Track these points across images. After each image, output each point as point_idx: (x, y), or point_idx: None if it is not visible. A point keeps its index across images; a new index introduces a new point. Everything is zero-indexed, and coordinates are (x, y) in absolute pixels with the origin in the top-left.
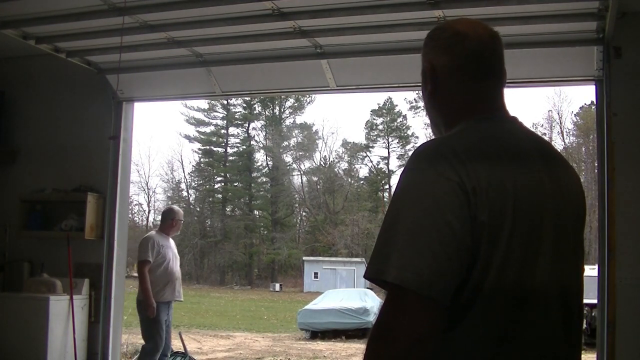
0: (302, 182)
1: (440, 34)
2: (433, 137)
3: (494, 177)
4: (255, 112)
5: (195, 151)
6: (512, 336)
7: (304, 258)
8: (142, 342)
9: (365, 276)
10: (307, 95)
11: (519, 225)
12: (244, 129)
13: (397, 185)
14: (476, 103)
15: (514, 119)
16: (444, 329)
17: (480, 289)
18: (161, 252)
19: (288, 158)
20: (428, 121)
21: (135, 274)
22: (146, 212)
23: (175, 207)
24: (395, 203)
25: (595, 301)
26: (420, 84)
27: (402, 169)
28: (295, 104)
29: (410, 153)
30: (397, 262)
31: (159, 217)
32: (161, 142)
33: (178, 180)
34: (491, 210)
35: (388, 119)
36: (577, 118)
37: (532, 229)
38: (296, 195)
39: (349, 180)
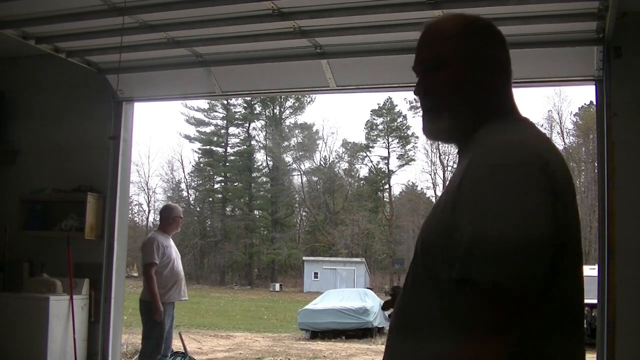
0: (302, 182)
1: (481, 28)
2: (436, 126)
3: (566, 182)
4: (255, 112)
5: (195, 151)
6: (565, 336)
7: (304, 258)
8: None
9: (466, 276)
10: (307, 95)
11: (576, 226)
12: (244, 129)
13: (481, 183)
14: (508, 103)
15: (530, 121)
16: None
17: (550, 290)
18: (166, 253)
19: (288, 158)
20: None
21: (135, 274)
22: (146, 212)
23: (173, 204)
24: (497, 203)
25: (595, 301)
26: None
27: (475, 165)
28: (296, 104)
29: (410, 153)
30: (511, 265)
31: (158, 217)
32: (161, 142)
33: (178, 180)
34: (565, 213)
35: (388, 119)
36: (577, 118)
37: (578, 234)
38: (296, 195)
39: (349, 180)
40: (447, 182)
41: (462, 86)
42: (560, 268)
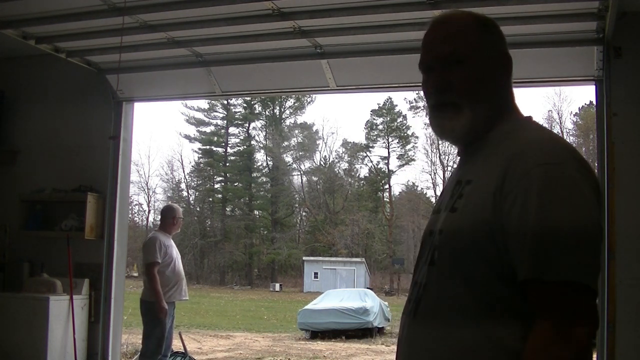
0: (302, 182)
1: (491, 27)
2: (444, 121)
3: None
4: (255, 112)
5: (195, 151)
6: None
7: (304, 258)
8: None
9: (529, 276)
10: (307, 95)
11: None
12: (244, 129)
13: (540, 181)
14: (513, 102)
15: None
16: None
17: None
18: (167, 253)
19: (288, 158)
20: (428, 121)
21: (135, 274)
22: (146, 212)
23: (174, 204)
24: (552, 202)
25: None
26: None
27: (534, 167)
28: (296, 104)
29: (410, 153)
30: (573, 261)
31: (159, 217)
32: (161, 142)
33: (178, 180)
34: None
35: (388, 119)
36: (577, 118)
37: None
38: (296, 195)
39: (349, 180)
40: (462, 181)
41: (482, 83)
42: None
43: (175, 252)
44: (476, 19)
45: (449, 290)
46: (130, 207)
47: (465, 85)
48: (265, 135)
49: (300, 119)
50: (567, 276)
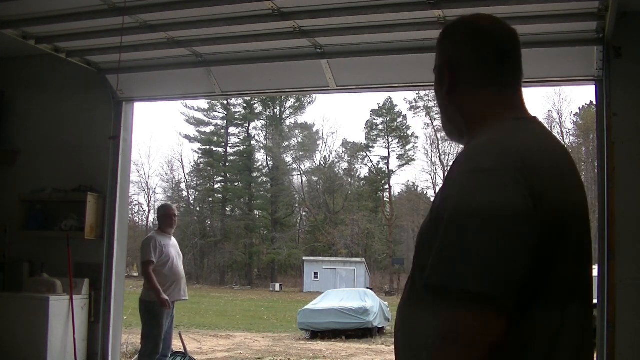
0: (302, 182)
1: (462, 29)
2: (449, 134)
3: (555, 181)
4: (255, 112)
5: (195, 151)
6: (560, 339)
7: (304, 258)
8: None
9: (430, 282)
10: (308, 95)
11: (573, 229)
12: (244, 129)
13: (456, 188)
14: (502, 102)
15: (536, 120)
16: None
17: (540, 293)
18: (164, 252)
19: (288, 158)
20: (428, 121)
21: (135, 274)
22: (146, 212)
23: (167, 203)
24: (462, 208)
25: (595, 301)
26: (426, 84)
27: (457, 170)
28: (296, 104)
29: (410, 153)
30: (472, 270)
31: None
32: (161, 142)
33: (178, 180)
34: (555, 216)
35: (388, 119)
36: (577, 118)
37: (579, 233)
38: (296, 195)
39: (349, 180)
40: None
41: (447, 90)
42: (551, 264)
43: (175, 252)
44: (452, 24)
45: (411, 279)
46: (130, 207)
47: (436, 92)
48: (266, 135)
49: (300, 119)
50: (471, 286)
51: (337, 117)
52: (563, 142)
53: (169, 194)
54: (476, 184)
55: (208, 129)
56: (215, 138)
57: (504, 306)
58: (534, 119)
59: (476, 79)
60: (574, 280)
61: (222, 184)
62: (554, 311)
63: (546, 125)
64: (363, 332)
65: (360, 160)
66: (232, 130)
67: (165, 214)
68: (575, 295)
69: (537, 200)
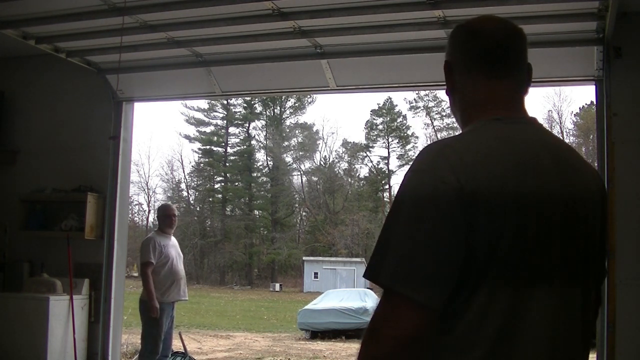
0: (302, 182)
1: (457, 31)
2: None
3: (495, 181)
4: (255, 112)
5: (195, 151)
6: (508, 336)
7: (304, 258)
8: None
9: (364, 276)
10: (308, 95)
11: (519, 230)
12: (244, 129)
13: (399, 186)
14: (489, 102)
15: (533, 120)
16: (436, 331)
17: (476, 293)
18: (164, 252)
19: (288, 158)
20: (428, 121)
21: (136, 274)
22: (146, 212)
23: (167, 203)
24: (394, 204)
25: None
26: (426, 84)
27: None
28: (296, 104)
29: (410, 153)
30: (390, 265)
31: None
32: (161, 142)
33: (178, 180)
34: (490, 215)
35: (388, 119)
36: (577, 118)
37: (535, 234)
38: (296, 195)
39: (349, 180)
40: None
41: (448, 90)
42: (487, 263)
43: (175, 252)
44: (455, 26)
45: None
46: (130, 207)
47: (447, 92)
48: (266, 135)
49: (300, 119)
50: (385, 281)
51: (337, 117)
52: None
53: (169, 194)
54: (408, 184)
55: (208, 129)
56: (215, 138)
57: (417, 301)
58: (525, 119)
59: (466, 81)
60: (524, 288)
61: (222, 184)
62: (494, 317)
63: (547, 126)
64: (363, 332)
65: (360, 160)
66: (232, 130)
67: (165, 214)
68: (527, 303)
69: (470, 199)
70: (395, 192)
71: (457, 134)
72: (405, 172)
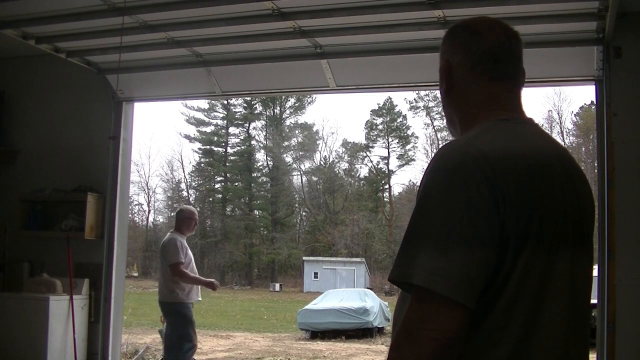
0: (302, 182)
1: (458, 31)
2: (451, 135)
3: (522, 183)
4: (255, 112)
5: (196, 151)
6: (528, 337)
7: (304, 258)
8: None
9: (390, 278)
10: (308, 95)
11: (545, 232)
12: (245, 129)
13: (423, 186)
14: (492, 103)
15: (531, 121)
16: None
17: (503, 294)
18: (187, 253)
19: (288, 158)
20: (428, 121)
21: (135, 274)
22: (146, 212)
23: (192, 207)
24: (422, 205)
25: (595, 301)
26: (425, 84)
27: (427, 168)
28: (296, 104)
29: (410, 153)
30: (426, 266)
31: (160, 218)
32: (161, 142)
33: (178, 180)
34: (519, 217)
35: (388, 119)
36: (577, 118)
37: (555, 236)
38: (296, 195)
39: (349, 180)
40: None
41: (444, 91)
42: (515, 264)
43: (190, 254)
44: (451, 27)
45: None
46: (130, 207)
47: (441, 94)
48: (266, 135)
49: (300, 119)
50: (422, 282)
51: (337, 117)
52: (562, 143)
53: (169, 194)
54: (436, 183)
55: (208, 129)
56: (216, 138)
57: (456, 301)
58: (525, 119)
59: (468, 81)
60: (547, 291)
61: (222, 184)
62: (517, 318)
63: (546, 126)
64: (363, 332)
65: (360, 160)
66: (232, 130)
67: (190, 217)
68: (549, 305)
69: (501, 202)
70: (395, 192)
71: (469, 133)
72: (426, 173)
